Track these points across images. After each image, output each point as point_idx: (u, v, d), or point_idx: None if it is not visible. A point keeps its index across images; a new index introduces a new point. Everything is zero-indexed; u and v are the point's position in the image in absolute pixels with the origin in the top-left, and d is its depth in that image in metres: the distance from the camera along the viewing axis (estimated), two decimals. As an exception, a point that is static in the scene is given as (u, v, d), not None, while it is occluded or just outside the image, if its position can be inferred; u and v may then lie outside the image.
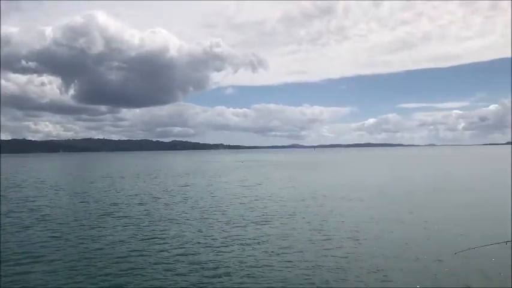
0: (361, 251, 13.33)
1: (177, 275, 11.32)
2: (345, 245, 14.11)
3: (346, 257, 12.65)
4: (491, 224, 17.52)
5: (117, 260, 12.72)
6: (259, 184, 37.98)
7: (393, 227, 17.09)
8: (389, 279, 10.59)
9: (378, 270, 11.33)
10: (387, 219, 18.92)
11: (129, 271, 11.64)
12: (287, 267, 11.71)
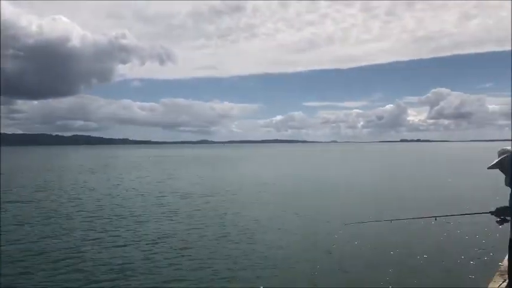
0: (264, 244, 13.49)
1: (79, 272, 10.66)
2: (248, 239, 14.21)
3: (249, 251, 12.77)
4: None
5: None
6: (166, 180, 37.06)
7: (291, 220, 17.62)
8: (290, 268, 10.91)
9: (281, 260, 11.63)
10: (288, 212, 19.42)
11: (23, 272, 10.71)
12: (191, 264, 11.50)
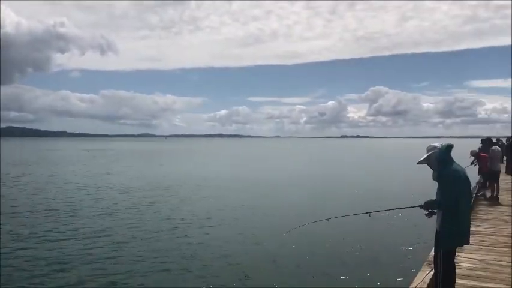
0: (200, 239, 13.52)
1: (16, 270, 10.22)
2: (182, 234, 14.28)
3: (183, 245, 12.84)
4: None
5: None
6: (104, 175, 35.96)
7: (228, 215, 17.71)
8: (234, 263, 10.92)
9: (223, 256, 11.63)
10: (225, 208, 19.54)
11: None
12: (132, 259, 11.33)
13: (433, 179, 5.04)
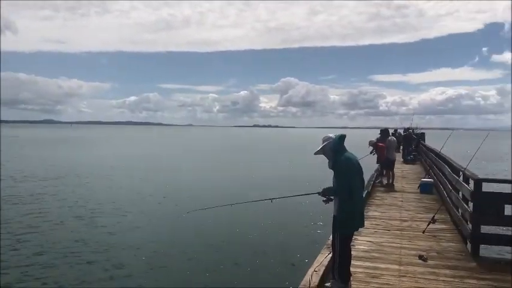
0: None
1: None
2: (96, 223, 14.04)
3: (96, 234, 12.54)
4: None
5: None
6: (6, 162, 33.39)
7: (132, 203, 17.47)
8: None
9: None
10: (129, 196, 19.38)
11: None
12: (31, 251, 10.79)
13: (329, 167, 5.30)
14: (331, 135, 5.36)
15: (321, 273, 5.57)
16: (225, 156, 46.58)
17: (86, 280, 8.96)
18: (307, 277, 5.37)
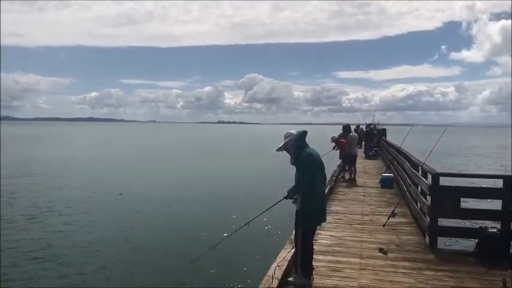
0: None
1: None
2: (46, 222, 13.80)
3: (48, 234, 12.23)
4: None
5: None
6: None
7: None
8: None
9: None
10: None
11: None
12: None
13: (291, 163, 5.34)
14: (292, 131, 5.40)
15: (284, 268, 5.61)
16: (188, 155, 46.13)
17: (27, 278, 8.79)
18: (270, 272, 5.40)
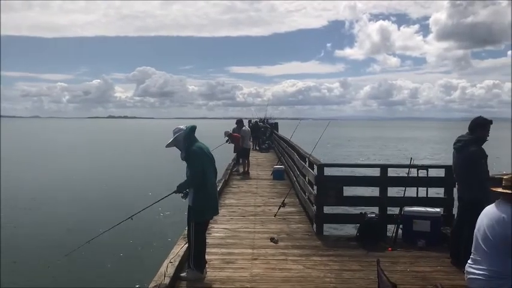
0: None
1: None
2: None
3: None
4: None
5: None
6: None
7: None
8: None
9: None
10: None
11: None
12: None
13: (182, 159, 5.31)
14: (181, 126, 5.36)
15: (176, 263, 5.54)
16: (75, 151, 43.57)
17: None
18: (162, 269, 5.30)
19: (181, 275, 5.37)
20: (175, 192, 5.29)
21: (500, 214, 3.45)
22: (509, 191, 3.51)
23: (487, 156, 5.57)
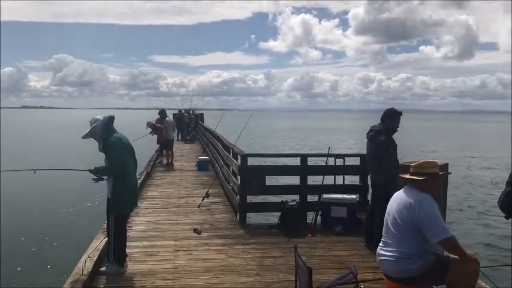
0: None
1: None
2: None
3: None
4: None
5: None
6: None
7: None
8: None
9: None
10: None
11: None
12: None
13: (99, 150, 5.14)
14: (98, 117, 5.18)
15: (95, 258, 5.38)
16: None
17: None
18: (79, 264, 5.12)
19: (101, 269, 5.23)
20: (90, 170, 5.08)
21: (408, 199, 3.72)
22: (416, 177, 3.80)
23: (397, 145, 5.95)
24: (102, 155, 5.14)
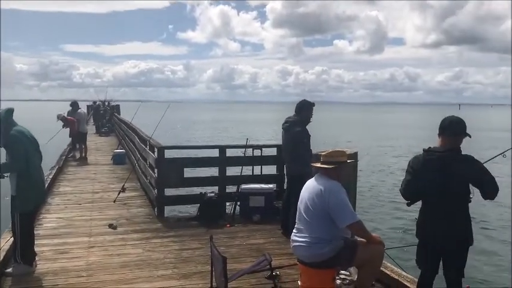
0: None
1: None
2: None
3: None
4: None
5: None
6: None
7: None
8: None
9: None
10: None
11: None
12: None
13: (0, 146, 4.81)
14: None
15: (0, 259, 5.04)
16: None
17: None
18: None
19: (7, 270, 4.92)
20: None
21: (319, 187, 3.89)
22: (326, 166, 3.98)
23: (310, 135, 6.18)
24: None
